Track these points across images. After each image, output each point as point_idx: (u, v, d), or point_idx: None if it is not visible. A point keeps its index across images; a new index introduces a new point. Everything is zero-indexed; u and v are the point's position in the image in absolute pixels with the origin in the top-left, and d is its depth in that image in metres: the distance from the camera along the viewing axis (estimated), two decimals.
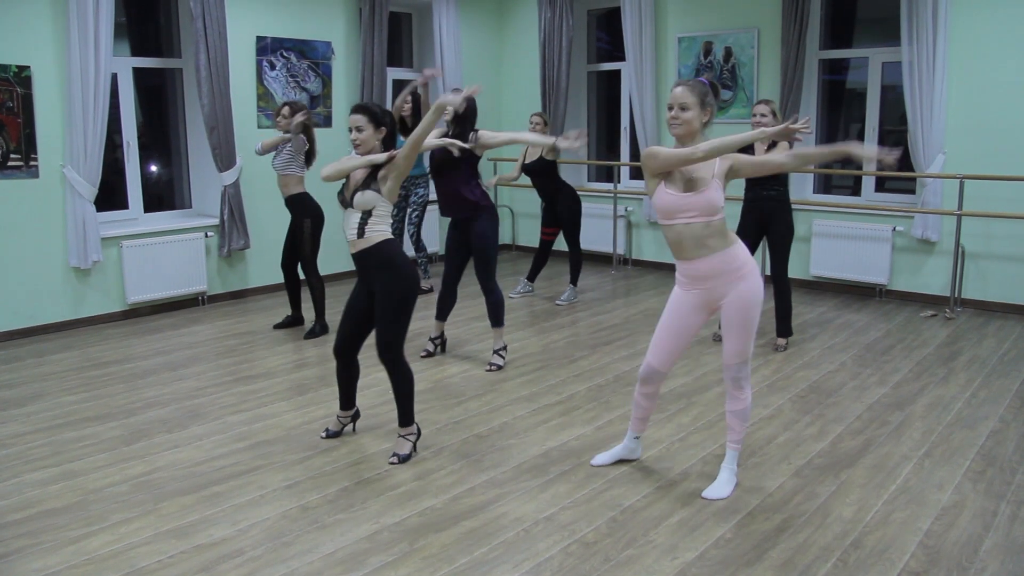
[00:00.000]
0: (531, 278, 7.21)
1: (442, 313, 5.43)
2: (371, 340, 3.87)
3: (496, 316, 5.24)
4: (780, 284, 5.48)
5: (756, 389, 4.77)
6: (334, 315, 6.49)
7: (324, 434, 4.14)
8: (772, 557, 3.01)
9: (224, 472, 3.75)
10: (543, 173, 6.77)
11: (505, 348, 5.31)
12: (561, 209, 6.86)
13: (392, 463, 3.81)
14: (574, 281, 7.04)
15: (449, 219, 5.25)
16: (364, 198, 3.70)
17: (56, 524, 3.29)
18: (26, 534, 3.22)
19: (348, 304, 3.93)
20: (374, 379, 4.98)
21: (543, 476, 3.69)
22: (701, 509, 3.37)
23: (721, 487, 3.49)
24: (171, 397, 4.75)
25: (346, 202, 3.77)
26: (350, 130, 3.75)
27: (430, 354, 5.48)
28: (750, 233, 5.42)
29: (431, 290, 7.27)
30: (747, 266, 3.32)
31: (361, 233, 3.73)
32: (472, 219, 5.10)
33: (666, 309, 3.47)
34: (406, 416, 3.90)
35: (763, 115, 5.25)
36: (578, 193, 6.98)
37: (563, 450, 3.97)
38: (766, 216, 5.42)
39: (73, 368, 5.31)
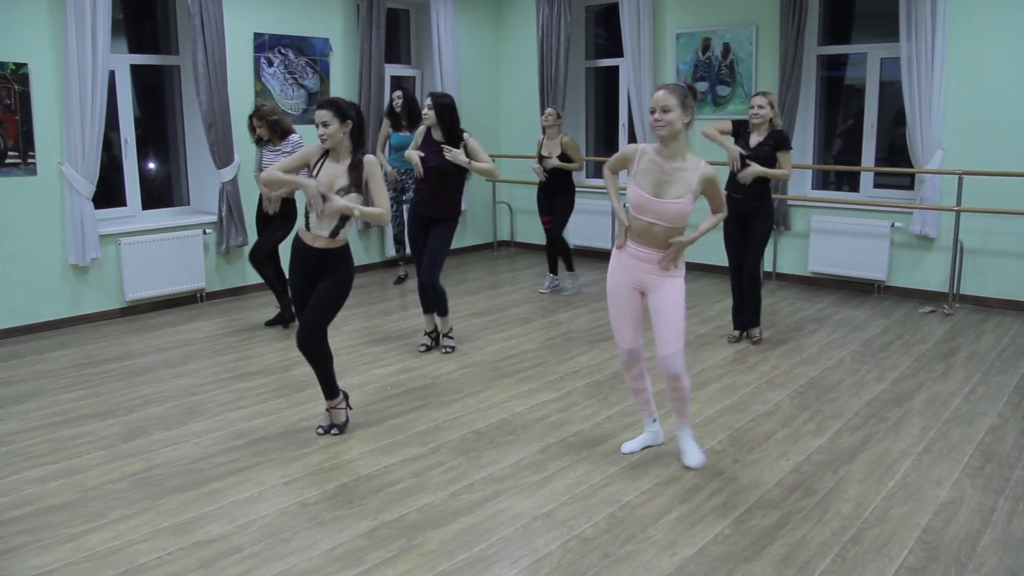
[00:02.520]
0: (554, 270, 7.26)
1: (428, 307, 5.50)
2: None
3: (440, 307, 5.45)
4: (754, 278, 5.48)
5: (755, 385, 4.78)
6: None
7: (320, 431, 4.15)
8: (771, 553, 3.01)
9: (222, 469, 3.75)
10: (554, 170, 6.86)
11: (451, 330, 5.59)
12: (559, 201, 6.91)
13: (332, 434, 4.07)
14: (570, 267, 7.14)
15: (415, 214, 5.36)
16: (350, 199, 3.82)
17: (55, 521, 3.29)
18: (25, 531, 3.21)
19: (298, 301, 4.06)
20: (371, 376, 4.98)
21: (541, 472, 3.69)
22: (700, 505, 3.37)
23: (697, 453, 3.73)
24: (169, 394, 4.75)
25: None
26: (317, 126, 3.83)
27: (428, 348, 5.51)
28: (734, 238, 5.45)
29: (407, 277, 7.54)
30: (681, 270, 3.57)
31: (335, 234, 3.87)
32: (440, 221, 5.27)
33: (608, 296, 3.70)
34: (331, 389, 4.10)
35: (760, 107, 5.25)
36: (576, 190, 7.06)
37: (561, 446, 3.97)
38: (746, 219, 5.42)
39: (71, 365, 5.30)
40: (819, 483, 3.56)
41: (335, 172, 3.86)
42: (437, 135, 5.21)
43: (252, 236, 7.08)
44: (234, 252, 7.12)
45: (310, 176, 3.88)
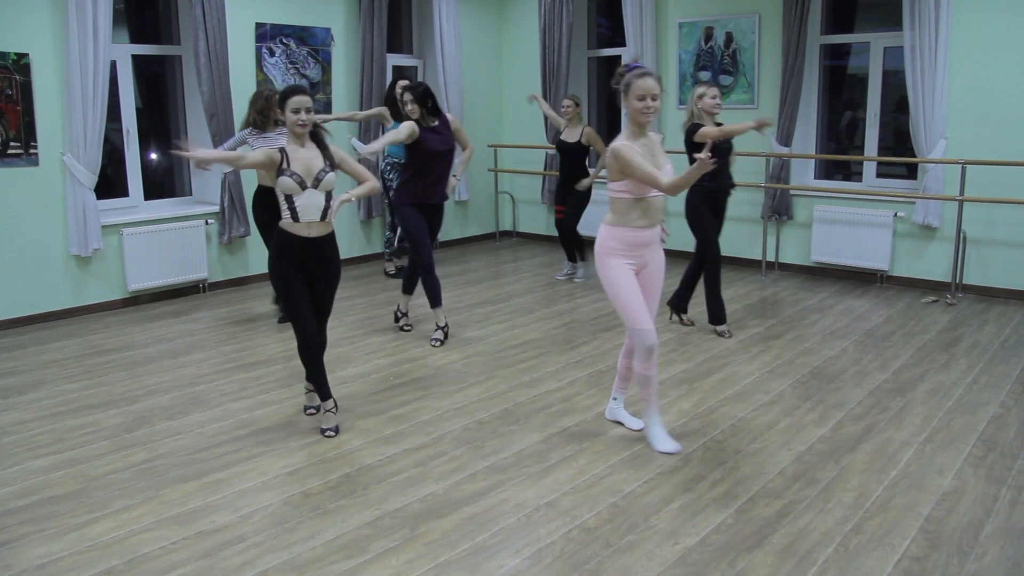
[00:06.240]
0: (572, 259, 7.37)
1: (435, 301, 5.50)
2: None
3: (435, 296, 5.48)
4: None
5: (758, 375, 4.78)
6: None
7: (311, 411, 4.29)
8: (773, 542, 3.01)
9: (225, 459, 3.76)
10: (578, 155, 6.95)
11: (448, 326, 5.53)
12: (577, 193, 6.99)
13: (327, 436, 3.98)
14: (584, 257, 7.25)
15: (419, 204, 5.36)
16: (331, 178, 3.85)
17: (59, 511, 3.30)
18: (29, 521, 3.23)
19: (300, 303, 3.89)
20: (373, 366, 4.99)
21: (544, 462, 3.69)
22: (702, 494, 3.38)
23: (667, 439, 3.81)
24: (172, 384, 4.76)
25: (304, 184, 3.77)
26: (296, 111, 3.75)
27: (441, 343, 5.43)
28: (712, 222, 5.43)
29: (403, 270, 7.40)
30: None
31: (325, 215, 3.84)
32: (441, 205, 5.48)
33: (619, 280, 3.68)
34: (327, 389, 4.13)
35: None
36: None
37: (564, 436, 3.97)
38: (722, 206, 5.48)
39: (74, 356, 5.31)
40: (821, 473, 3.56)
41: (309, 156, 3.81)
42: (427, 122, 5.25)
43: (254, 226, 7.07)
44: (236, 242, 7.12)
45: (286, 171, 3.76)
